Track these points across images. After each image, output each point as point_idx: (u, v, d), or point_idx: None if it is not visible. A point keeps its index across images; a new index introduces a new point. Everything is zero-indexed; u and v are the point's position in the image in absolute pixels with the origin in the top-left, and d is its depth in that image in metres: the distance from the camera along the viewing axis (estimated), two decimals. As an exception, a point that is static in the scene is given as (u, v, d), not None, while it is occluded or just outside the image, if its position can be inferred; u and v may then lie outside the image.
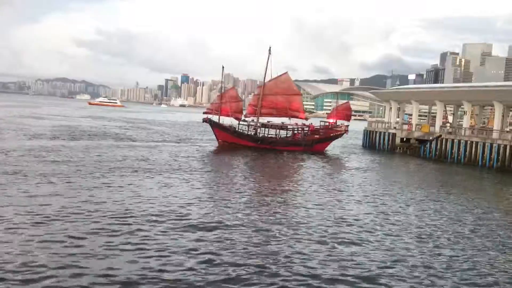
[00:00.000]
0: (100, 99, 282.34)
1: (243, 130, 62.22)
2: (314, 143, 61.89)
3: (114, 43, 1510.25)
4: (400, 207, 27.44)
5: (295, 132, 63.45)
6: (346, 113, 68.91)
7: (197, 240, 18.14)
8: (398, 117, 76.90)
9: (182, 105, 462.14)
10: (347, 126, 65.54)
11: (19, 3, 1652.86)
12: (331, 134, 64.07)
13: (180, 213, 22.24)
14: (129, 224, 19.64)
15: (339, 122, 65.68)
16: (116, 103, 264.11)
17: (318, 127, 65.27)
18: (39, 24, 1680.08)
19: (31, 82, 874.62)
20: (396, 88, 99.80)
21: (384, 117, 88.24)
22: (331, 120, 67.20)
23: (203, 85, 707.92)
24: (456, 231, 22.39)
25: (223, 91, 66.60)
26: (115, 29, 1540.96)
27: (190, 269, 15.23)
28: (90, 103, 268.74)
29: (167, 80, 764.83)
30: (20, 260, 14.90)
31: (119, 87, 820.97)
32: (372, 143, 71.85)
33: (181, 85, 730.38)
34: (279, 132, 63.10)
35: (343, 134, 64.67)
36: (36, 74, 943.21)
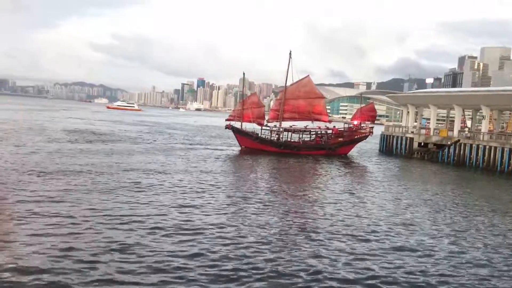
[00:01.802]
0: (118, 103, 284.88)
1: (265, 136, 62.28)
2: (338, 146, 61.69)
3: (130, 47, 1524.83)
4: (420, 216, 27.55)
5: (317, 135, 63.32)
6: (370, 114, 68.66)
7: (222, 244, 18.62)
8: (415, 122, 76.56)
9: (198, 109, 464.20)
10: (372, 127, 65.28)
11: (37, 8, 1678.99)
12: (356, 137, 63.74)
13: (199, 218, 22.75)
14: (152, 225, 20.24)
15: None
16: (133, 107, 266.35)
17: (342, 129, 65.15)
18: (57, 29, 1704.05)
19: (50, 86, 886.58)
20: (414, 92, 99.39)
21: (401, 121, 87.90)
22: (355, 122, 67.02)
23: (218, 89, 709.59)
24: (477, 240, 22.52)
25: (243, 97, 66.72)
26: (131, 34, 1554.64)
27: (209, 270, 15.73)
28: (108, 107, 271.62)
29: (183, 84, 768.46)
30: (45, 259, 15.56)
31: (136, 91, 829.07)
32: (389, 147, 71.54)
33: (197, 89, 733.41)
34: (302, 136, 63.11)
35: (367, 136, 64.35)
36: (55, 78, 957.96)
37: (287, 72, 62.41)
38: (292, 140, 62.40)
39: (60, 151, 44.61)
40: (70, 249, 16.59)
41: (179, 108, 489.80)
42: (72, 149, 47.16)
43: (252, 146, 60.52)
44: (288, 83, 63.22)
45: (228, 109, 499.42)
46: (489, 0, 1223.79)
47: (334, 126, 65.07)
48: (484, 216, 27.60)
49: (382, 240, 20.61)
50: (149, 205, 24.25)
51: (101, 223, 20.15)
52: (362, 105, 74.05)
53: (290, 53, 61.85)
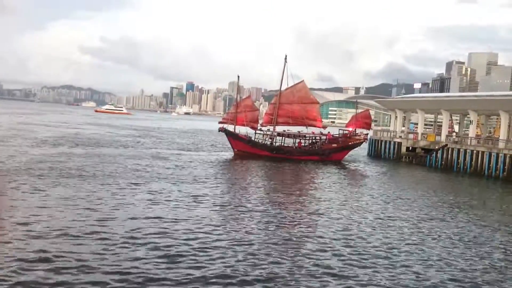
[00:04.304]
0: (107, 106, 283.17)
1: (258, 140, 61.98)
2: (331, 152, 61.62)
3: (119, 51, 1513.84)
4: (406, 220, 27.62)
5: (300, 140, 63.20)
6: (366, 121, 68.99)
7: (215, 247, 18.48)
8: (403, 126, 77.00)
9: (187, 113, 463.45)
10: (366, 134, 65.44)
11: (25, 10, 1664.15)
12: (350, 143, 63.59)
13: (194, 223, 22.56)
14: (146, 232, 20.03)
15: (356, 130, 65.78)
16: (122, 110, 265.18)
17: (337, 135, 65.10)
18: (45, 32, 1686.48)
19: (37, 89, 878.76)
20: (402, 97, 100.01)
21: (389, 126, 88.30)
22: (350, 129, 67.08)
23: (208, 93, 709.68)
24: (461, 244, 22.62)
25: (237, 100, 66.19)
26: (119, 37, 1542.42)
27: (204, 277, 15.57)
28: (96, 111, 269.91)
29: (172, 88, 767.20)
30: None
31: (125, 95, 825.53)
32: (377, 152, 71.88)
33: (186, 92, 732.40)
34: (295, 141, 62.84)
35: (362, 143, 64.31)
36: (42, 81, 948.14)
37: (282, 76, 62.18)
38: (285, 145, 62.26)
39: (45, 156, 44.10)
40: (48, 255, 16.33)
41: (171, 112, 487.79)
42: (55, 154, 46.63)
43: (245, 150, 60.12)
44: (283, 88, 63.01)
45: (218, 113, 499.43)
46: (476, 6, 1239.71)
47: (329, 132, 65.02)
48: (469, 219, 27.75)
49: (369, 246, 20.63)
50: (139, 213, 23.99)
51: (84, 233, 19.65)
52: (357, 112, 74.25)
53: (285, 58, 61.66)
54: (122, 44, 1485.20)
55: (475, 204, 33.99)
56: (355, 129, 66.21)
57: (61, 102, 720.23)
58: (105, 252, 16.90)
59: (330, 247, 19.66)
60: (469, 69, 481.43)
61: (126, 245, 17.90)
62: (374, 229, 23.44)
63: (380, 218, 26.27)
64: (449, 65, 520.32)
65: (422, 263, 18.47)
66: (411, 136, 70.73)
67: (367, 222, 25.07)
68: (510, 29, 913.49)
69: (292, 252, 18.55)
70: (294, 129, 63.45)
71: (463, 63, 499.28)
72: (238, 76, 65.37)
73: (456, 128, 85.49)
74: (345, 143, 63.56)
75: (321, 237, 21.19)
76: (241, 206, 26.97)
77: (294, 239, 20.58)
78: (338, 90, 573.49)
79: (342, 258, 18.30)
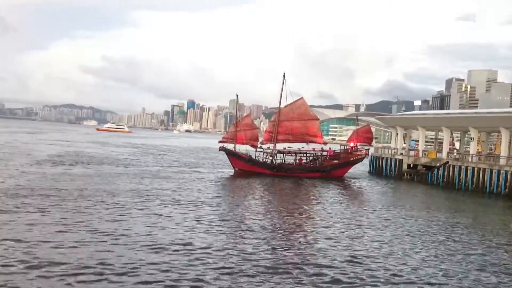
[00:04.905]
0: (108, 125, 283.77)
1: (259, 158, 61.69)
2: (333, 168, 61.24)
3: (120, 69, 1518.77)
4: (409, 239, 27.45)
5: (307, 157, 62.95)
6: (367, 136, 68.78)
7: (216, 268, 18.31)
8: (404, 143, 76.94)
9: (188, 131, 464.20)
10: (368, 149, 65.05)
11: (26, 30, 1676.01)
12: (351, 159, 63.21)
13: (191, 244, 22.44)
14: (145, 252, 19.87)
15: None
16: (123, 128, 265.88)
17: (338, 151, 64.77)
18: (46, 51, 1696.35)
19: (39, 108, 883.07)
20: (402, 114, 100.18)
21: (390, 143, 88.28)
22: (351, 144, 66.90)
23: (209, 110, 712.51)
24: (464, 263, 22.46)
25: (236, 119, 66.19)
26: (120, 56, 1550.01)
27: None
28: (98, 129, 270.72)
29: (173, 106, 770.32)
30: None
31: (126, 113, 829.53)
32: (378, 169, 71.62)
33: (187, 110, 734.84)
34: (296, 158, 62.58)
35: (363, 158, 63.94)
36: (44, 100, 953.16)
37: (281, 93, 62.34)
38: (286, 162, 62.06)
39: (44, 175, 44.08)
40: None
41: (172, 130, 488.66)
42: (56, 174, 46.63)
43: (246, 168, 59.82)
44: (282, 105, 63.12)
45: (219, 131, 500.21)
46: (476, 24, 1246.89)
47: (330, 148, 64.84)
48: (473, 238, 27.57)
49: (370, 265, 20.44)
50: (139, 234, 23.87)
51: (82, 255, 19.55)
52: (357, 127, 74.22)
53: (284, 75, 61.95)
54: (123, 63, 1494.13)
55: (477, 222, 33.78)
56: (356, 144, 66.06)
57: (63, 121, 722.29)
58: (103, 277, 16.69)
59: (332, 266, 19.53)
60: (469, 86, 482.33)
61: (126, 268, 17.63)
62: (377, 249, 23.28)
63: (382, 236, 26.12)
64: (448, 83, 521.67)
65: (424, 281, 18.29)
66: (412, 153, 70.59)
67: (369, 241, 24.91)
68: (509, 46, 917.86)
69: (294, 273, 18.39)
70: (295, 146, 63.39)
71: (462, 80, 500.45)
72: (237, 95, 65.62)
73: (457, 145, 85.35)
74: (346, 159, 63.24)
75: (323, 257, 21.04)
76: (242, 227, 26.78)
77: (296, 259, 20.42)
78: (338, 107, 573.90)
79: (345, 277, 18.16)
